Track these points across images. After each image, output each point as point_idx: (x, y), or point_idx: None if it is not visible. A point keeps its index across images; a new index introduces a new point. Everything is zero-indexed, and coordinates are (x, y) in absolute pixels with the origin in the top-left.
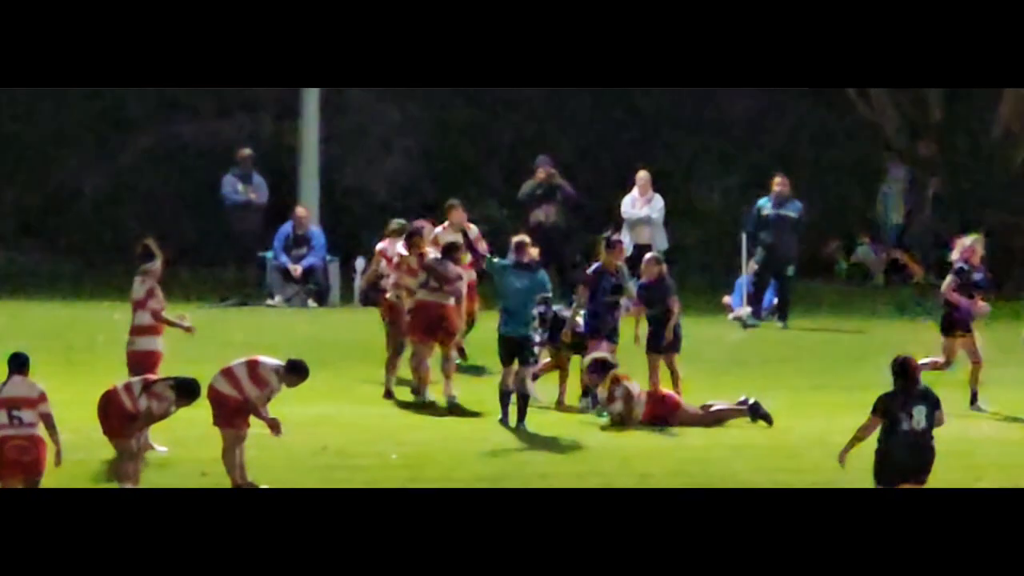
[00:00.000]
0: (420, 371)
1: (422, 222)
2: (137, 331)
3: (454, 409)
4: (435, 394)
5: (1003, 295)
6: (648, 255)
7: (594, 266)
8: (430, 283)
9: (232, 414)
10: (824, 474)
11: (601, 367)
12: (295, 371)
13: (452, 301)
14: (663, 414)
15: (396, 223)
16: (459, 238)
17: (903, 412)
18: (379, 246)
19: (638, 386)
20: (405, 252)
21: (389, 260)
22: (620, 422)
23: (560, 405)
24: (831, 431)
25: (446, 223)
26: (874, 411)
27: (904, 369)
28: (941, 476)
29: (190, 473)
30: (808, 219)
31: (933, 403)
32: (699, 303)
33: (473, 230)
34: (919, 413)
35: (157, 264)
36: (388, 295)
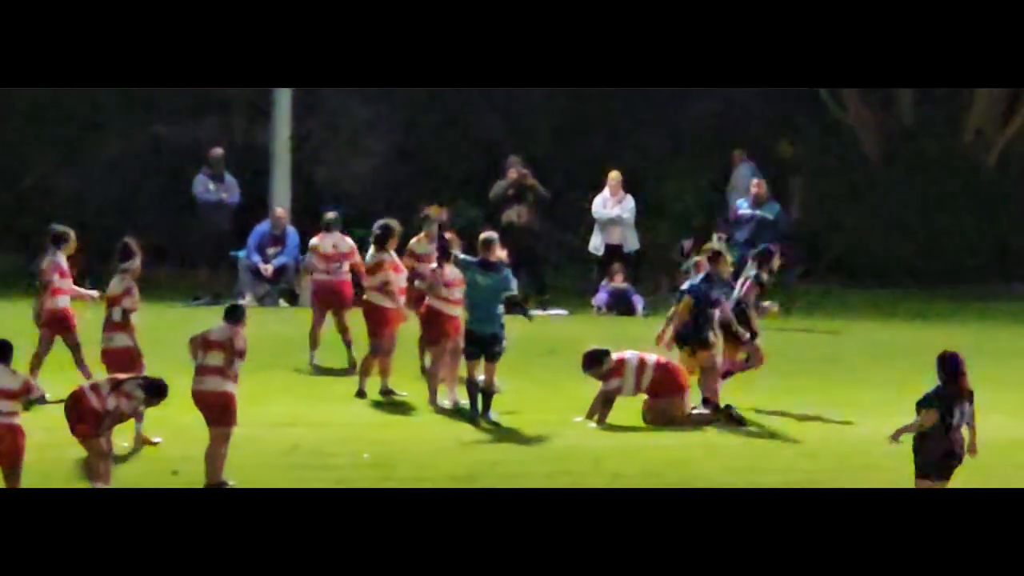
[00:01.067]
0: (451, 377)
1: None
2: (112, 327)
3: (426, 409)
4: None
5: (971, 296)
6: (698, 258)
7: (702, 276)
8: (442, 292)
9: (223, 410)
10: (797, 474)
11: (598, 357)
12: (233, 315)
13: (458, 311)
14: (663, 389)
15: (330, 216)
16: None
17: (957, 408)
18: (312, 241)
19: (637, 357)
20: (382, 252)
21: (322, 255)
22: (619, 392)
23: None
24: (804, 431)
25: (421, 235)
26: (929, 405)
27: (956, 365)
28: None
29: (161, 471)
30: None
31: (971, 400)
32: (670, 303)
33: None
34: (966, 412)
35: (136, 263)
36: (367, 296)
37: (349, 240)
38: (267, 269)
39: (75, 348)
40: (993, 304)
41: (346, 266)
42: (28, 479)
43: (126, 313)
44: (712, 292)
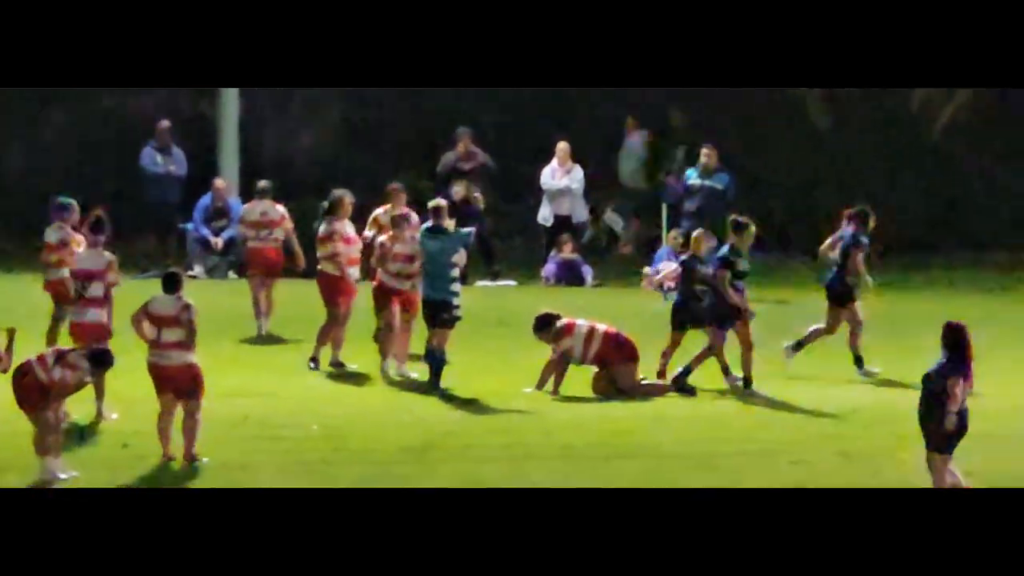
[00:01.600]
0: (401, 349)
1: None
2: (85, 302)
3: (377, 380)
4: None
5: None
6: (700, 230)
7: (726, 248)
8: (390, 266)
9: (192, 382)
10: (752, 444)
11: (548, 320)
12: (172, 284)
13: (408, 285)
14: (612, 359)
15: (261, 184)
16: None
17: (966, 381)
18: (243, 208)
19: (587, 325)
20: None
21: (250, 223)
22: (572, 357)
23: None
24: (753, 400)
25: (387, 206)
26: (953, 374)
27: (964, 336)
28: (870, 443)
29: (112, 444)
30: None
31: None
32: (623, 274)
33: (413, 217)
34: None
35: (105, 236)
36: (320, 267)
37: (280, 208)
38: (217, 243)
39: (59, 321)
40: (939, 272)
41: (276, 233)
42: None
43: (108, 288)
44: (740, 264)
